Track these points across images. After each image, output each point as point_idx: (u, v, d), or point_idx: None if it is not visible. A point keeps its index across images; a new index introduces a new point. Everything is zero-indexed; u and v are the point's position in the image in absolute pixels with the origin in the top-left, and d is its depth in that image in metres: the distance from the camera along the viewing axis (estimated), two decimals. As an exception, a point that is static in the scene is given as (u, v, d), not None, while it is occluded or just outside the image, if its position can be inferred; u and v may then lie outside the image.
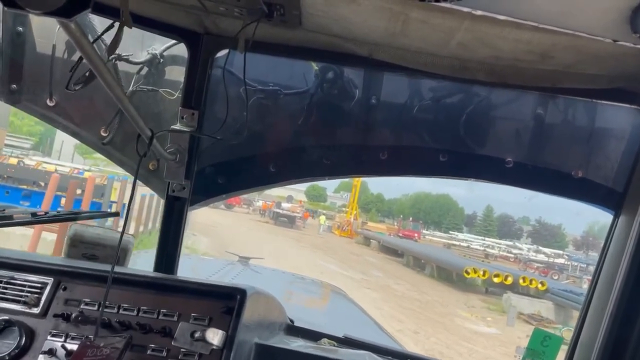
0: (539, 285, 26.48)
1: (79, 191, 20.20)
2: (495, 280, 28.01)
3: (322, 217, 58.11)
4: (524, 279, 27.32)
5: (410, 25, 2.07)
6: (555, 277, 35.75)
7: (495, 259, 47.82)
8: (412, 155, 2.91)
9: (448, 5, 1.75)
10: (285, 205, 56.54)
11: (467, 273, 28.47)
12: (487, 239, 62.96)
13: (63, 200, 18.12)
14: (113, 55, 2.81)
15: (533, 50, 2.09)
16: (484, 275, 28.31)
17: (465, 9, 1.79)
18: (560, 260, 46.32)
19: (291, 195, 73.35)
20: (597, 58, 2.06)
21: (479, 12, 1.80)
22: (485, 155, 2.81)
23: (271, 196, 62.63)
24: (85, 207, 16.92)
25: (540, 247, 54.70)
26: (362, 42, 2.42)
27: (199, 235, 22.16)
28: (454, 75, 2.45)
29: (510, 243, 59.88)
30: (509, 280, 27.41)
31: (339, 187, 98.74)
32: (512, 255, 50.45)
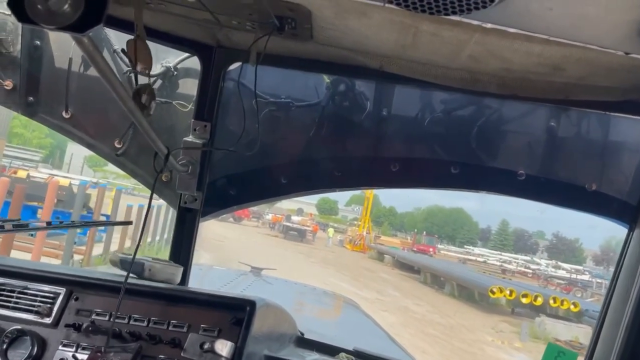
0: (571, 307, 24.36)
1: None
2: (524, 300, 25.51)
3: (331, 230, 57.14)
4: (554, 299, 25.04)
5: (421, 37, 2.07)
6: (579, 295, 34.14)
7: (513, 275, 46.44)
8: (423, 168, 2.90)
9: (458, 19, 1.75)
10: (295, 218, 55.43)
11: (493, 293, 25.98)
12: (503, 253, 61.65)
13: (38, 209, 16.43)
14: (127, 69, 2.86)
15: (544, 63, 2.08)
16: (510, 295, 25.77)
17: (476, 22, 1.79)
18: (582, 277, 44.80)
19: (301, 208, 71.87)
20: (609, 70, 2.05)
21: (489, 25, 1.80)
22: (497, 167, 2.79)
23: (282, 209, 62.05)
24: (45, 216, 15.33)
25: (559, 263, 53.43)
26: (373, 54, 2.43)
27: (201, 251, 20.99)
28: (465, 88, 2.44)
29: (528, 258, 58.67)
30: (539, 301, 25.07)
31: (350, 200, 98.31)
32: (530, 271, 49.22)
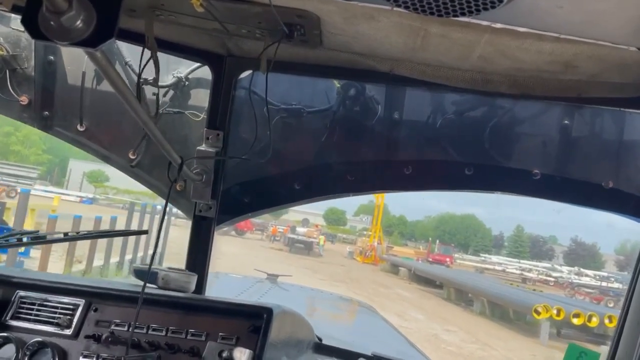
0: (630, 326, 20.88)
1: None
2: (575, 321, 20.88)
3: (322, 238, 51.97)
4: (610, 318, 20.31)
5: (430, 40, 2.07)
6: (611, 305, 30.56)
7: (534, 284, 43.86)
8: (436, 170, 2.89)
9: (467, 20, 1.75)
10: (300, 229, 51.24)
11: (538, 313, 21.47)
12: (522, 261, 58.80)
13: None
14: (139, 80, 2.89)
15: (556, 61, 2.07)
16: (558, 315, 21.24)
17: (485, 23, 1.79)
18: (613, 285, 40.82)
19: (307, 218, 68.10)
20: (622, 66, 2.03)
21: (498, 25, 1.79)
22: (512, 167, 2.77)
23: (288, 221, 59.59)
24: None
25: (582, 269, 50.56)
26: (383, 58, 2.43)
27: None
28: (476, 89, 2.43)
29: (549, 265, 55.92)
30: (594, 322, 20.54)
31: (359, 210, 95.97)
32: (552, 279, 46.70)
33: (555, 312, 21.26)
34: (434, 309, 25.75)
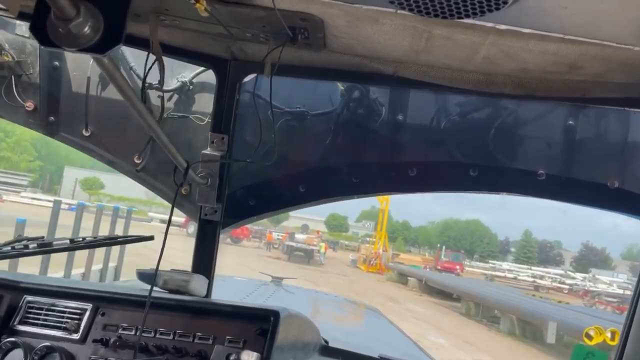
0: None
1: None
2: None
3: (322, 245, 47.91)
4: None
5: (434, 42, 2.07)
6: None
7: (547, 292, 41.87)
8: (441, 171, 2.89)
9: (471, 21, 1.75)
10: (300, 236, 47.41)
11: (590, 338, 17.50)
12: (533, 267, 57.23)
13: None
14: (144, 84, 2.90)
15: (560, 61, 2.07)
16: (613, 339, 17.13)
17: (489, 24, 1.79)
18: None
19: (306, 224, 63.05)
20: (627, 66, 2.02)
21: (503, 27, 1.80)
22: (517, 168, 2.77)
23: (288, 227, 57.16)
24: None
25: (597, 276, 48.93)
26: (387, 60, 2.44)
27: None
28: (481, 90, 2.43)
29: (562, 272, 54.53)
30: None
31: (361, 216, 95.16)
32: (566, 287, 44.76)
33: (609, 335, 17.47)
34: (455, 330, 22.72)
